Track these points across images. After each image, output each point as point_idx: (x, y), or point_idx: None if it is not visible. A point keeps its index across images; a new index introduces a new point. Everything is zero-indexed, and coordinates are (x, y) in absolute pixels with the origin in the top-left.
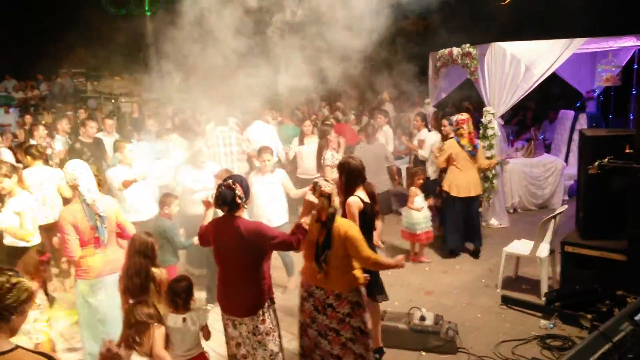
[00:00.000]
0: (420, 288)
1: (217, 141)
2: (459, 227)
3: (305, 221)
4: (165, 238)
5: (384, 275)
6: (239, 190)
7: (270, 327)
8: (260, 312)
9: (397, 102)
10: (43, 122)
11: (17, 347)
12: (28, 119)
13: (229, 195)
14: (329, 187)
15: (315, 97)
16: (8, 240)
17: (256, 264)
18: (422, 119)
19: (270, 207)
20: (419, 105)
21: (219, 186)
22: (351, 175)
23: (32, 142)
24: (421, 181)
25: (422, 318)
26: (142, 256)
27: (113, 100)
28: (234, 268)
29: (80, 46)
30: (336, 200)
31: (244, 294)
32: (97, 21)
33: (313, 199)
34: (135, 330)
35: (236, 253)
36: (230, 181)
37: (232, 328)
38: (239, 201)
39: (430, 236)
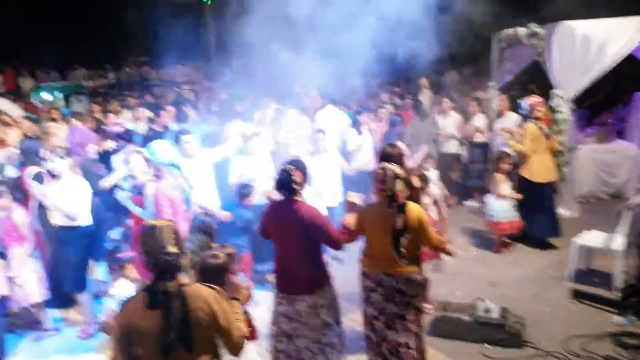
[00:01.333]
0: (483, 279)
1: (295, 125)
2: (541, 214)
3: (349, 221)
4: (246, 228)
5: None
6: (296, 176)
7: (327, 302)
8: (319, 290)
9: (459, 86)
10: (110, 110)
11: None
12: (96, 107)
13: (286, 180)
14: (398, 168)
15: (374, 82)
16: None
17: (316, 244)
18: (477, 104)
19: (325, 187)
20: (477, 88)
21: (279, 171)
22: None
23: (104, 127)
24: (507, 166)
25: (487, 310)
26: (202, 233)
27: (176, 88)
28: (295, 249)
29: (145, 35)
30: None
31: (306, 273)
32: (161, 9)
33: (354, 199)
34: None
35: (297, 235)
36: (289, 166)
37: (287, 305)
38: (294, 186)
39: (516, 226)
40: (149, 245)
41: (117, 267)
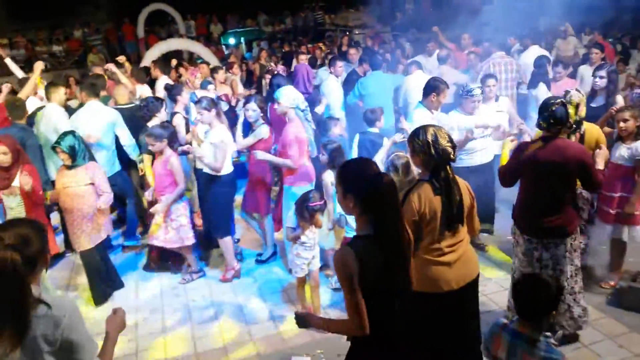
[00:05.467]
0: None
1: (498, 68)
2: None
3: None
4: None
5: None
6: (572, 109)
7: (574, 248)
8: (572, 236)
9: None
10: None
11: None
12: (263, 54)
13: (562, 113)
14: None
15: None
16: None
17: (572, 187)
18: None
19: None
20: None
21: (554, 103)
22: None
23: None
24: None
25: None
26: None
27: (347, 33)
28: (549, 190)
29: None
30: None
31: (557, 216)
32: None
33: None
34: None
35: (561, 174)
36: (562, 99)
37: (542, 250)
38: (569, 122)
39: None
40: (427, 141)
41: (307, 216)
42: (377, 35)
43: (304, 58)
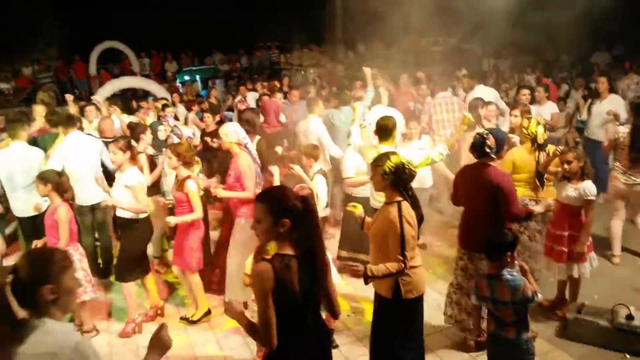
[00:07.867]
0: (627, 284)
1: (440, 108)
2: None
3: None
4: None
5: None
6: (490, 141)
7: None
8: None
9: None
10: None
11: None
12: (214, 92)
13: (479, 143)
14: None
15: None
16: (120, 212)
17: (492, 208)
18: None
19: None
20: (631, 70)
21: (476, 135)
22: None
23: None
24: None
25: (630, 317)
26: None
27: (302, 72)
28: (480, 209)
29: (274, 20)
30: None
31: (480, 232)
32: None
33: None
34: None
35: (483, 195)
36: (484, 132)
37: (468, 261)
38: (487, 150)
39: None
40: (402, 163)
41: None
42: (330, 74)
43: (279, 96)
